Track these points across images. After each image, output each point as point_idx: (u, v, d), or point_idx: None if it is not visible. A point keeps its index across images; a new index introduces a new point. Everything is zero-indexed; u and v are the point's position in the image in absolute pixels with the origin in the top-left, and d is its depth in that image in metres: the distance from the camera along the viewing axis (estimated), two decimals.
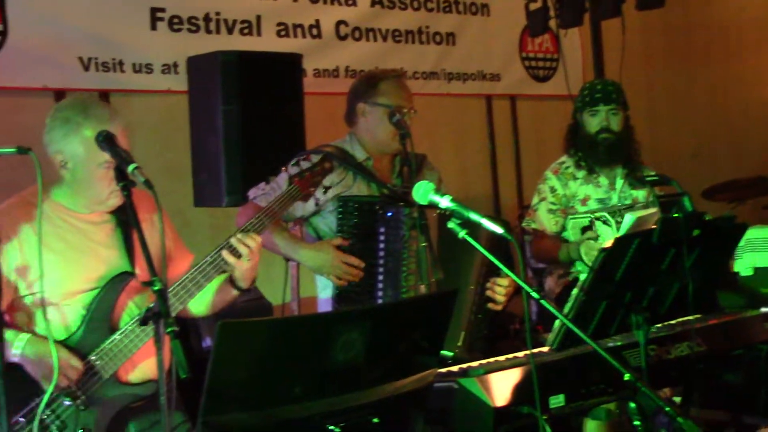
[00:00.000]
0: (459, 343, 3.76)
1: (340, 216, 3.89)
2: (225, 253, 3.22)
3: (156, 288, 2.67)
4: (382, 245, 3.85)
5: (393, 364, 2.68)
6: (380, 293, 3.85)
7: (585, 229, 4.63)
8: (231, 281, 3.36)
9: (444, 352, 3.59)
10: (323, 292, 4.10)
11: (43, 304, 2.94)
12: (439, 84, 7.32)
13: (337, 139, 4.22)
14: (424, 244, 3.59)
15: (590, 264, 4.29)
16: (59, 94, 5.41)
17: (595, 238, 4.48)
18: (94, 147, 3.08)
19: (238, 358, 2.40)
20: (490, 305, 3.88)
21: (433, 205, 2.92)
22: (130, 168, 2.83)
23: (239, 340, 2.40)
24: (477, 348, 3.80)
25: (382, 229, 3.84)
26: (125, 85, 5.77)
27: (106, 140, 3.01)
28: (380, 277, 3.86)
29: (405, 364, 2.71)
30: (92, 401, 3.13)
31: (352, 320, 2.60)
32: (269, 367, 2.46)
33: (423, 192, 2.87)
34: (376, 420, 2.58)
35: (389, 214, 3.82)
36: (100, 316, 3.19)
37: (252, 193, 4.09)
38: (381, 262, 3.85)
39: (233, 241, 3.22)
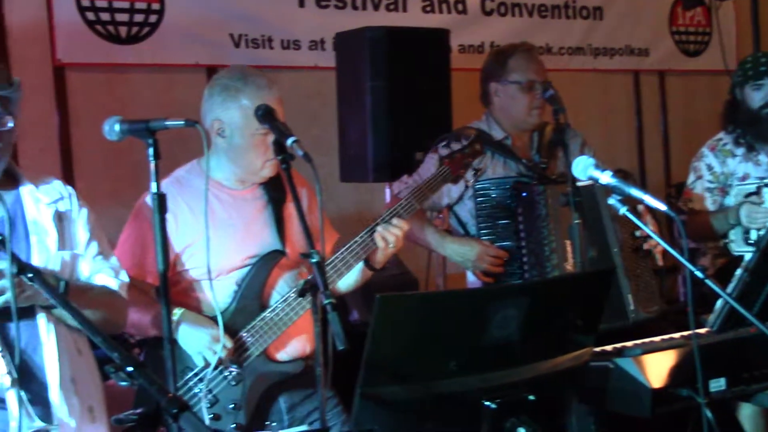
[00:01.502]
0: (631, 308, 3.70)
1: (478, 201, 3.87)
2: (377, 237, 3.23)
3: (314, 260, 2.70)
4: (521, 226, 3.81)
5: (549, 341, 2.64)
6: (526, 275, 3.81)
7: (749, 196, 4.44)
8: (366, 261, 3.36)
9: None
10: (472, 275, 4.07)
11: (210, 278, 3.00)
12: (585, 60, 7.18)
13: (474, 121, 4.18)
14: (577, 221, 3.53)
15: (750, 225, 4.15)
16: (210, 71, 5.54)
17: (759, 204, 4.29)
18: (251, 115, 3.12)
19: (396, 331, 2.41)
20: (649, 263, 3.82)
21: (590, 180, 2.85)
22: (290, 141, 2.85)
23: (397, 313, 2.41)
24: (655, 302, 3.75)
25: (519, 210, 3.80)
26: (274, 61, 5.86)
27: (266, 114, 3.05)
28: (524, 259, 3.81)
29: (561, 342, 2.67)
30: (243, 377, 3.18)
31: (510, 296, 2.57)
32: (425, 341, 2.45)
33: (583, 167, 2.81)
34: (531, 397, 2.55)
35: (525, 194, 3.78)
36: (251, 294, 3.23)
37: (396, 187, 4.08)
38: (523, 243, 3.81)
39: (381, 228, 3.23)
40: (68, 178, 5.23)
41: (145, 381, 1.75)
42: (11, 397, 2.52)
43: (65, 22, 5.24)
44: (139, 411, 1.72)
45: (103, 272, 2.87)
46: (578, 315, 2.68)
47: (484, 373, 2.52)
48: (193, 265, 3.21)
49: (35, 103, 5.12)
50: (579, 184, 3.52)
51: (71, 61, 5.31)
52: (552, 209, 3.75)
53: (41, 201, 2.80)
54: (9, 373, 2.50)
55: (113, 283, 2.88)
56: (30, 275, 2.14)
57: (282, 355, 3.27)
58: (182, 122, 2.65)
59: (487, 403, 2.49)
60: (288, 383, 3.27)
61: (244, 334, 3.18)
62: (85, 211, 2.89)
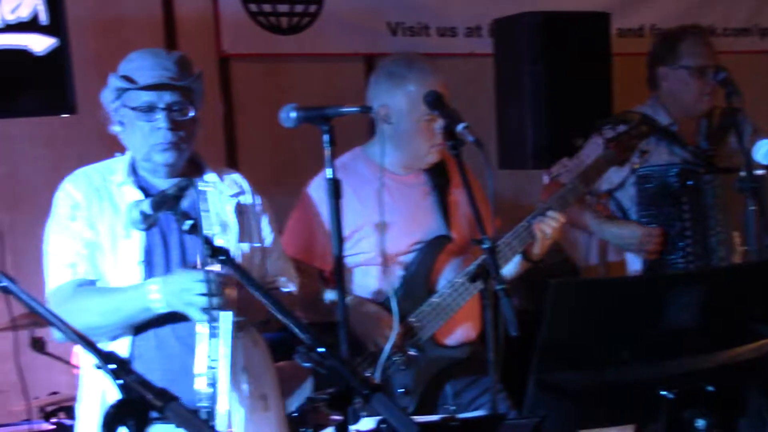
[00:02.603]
0: None
1: (641, 187, 3.78)
2: (534, 228, 3.20)
3: (486, 246, 2.70)
4: (686, 215, 3.71)
5: (728, 331, 2.56)
6: (690, 265, 3.71)
7: None
8: (522, 254, 3.32)
9: None
10: (633, 264, 4.00)
11: (382, 264, 3.05)
12: (752, 40, 6.90)
13: (637, 105, 4.09)
14: (752, 208, 3.42)
15: None
16: (368, 59, 5.61)
17: None
18: (417, 101, 3.14)
19: (570, 317, 2.39)
20: None
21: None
22: (460, 127, 2.85)
23: (573, 299, 2.38)
24: None
25: (684, 198, 3.70)
26: (430, 48, 5.86)
27: (435, 100, 3.06)
28: (688, 249, 3.72)
29: (740, 331, 2.59)
30: (411, 362, 3.21)
31: (688, 283, 2.52)
32: (600, 328, 2.42)
33: (765, 152, 2.72)
34: (710, 388, 2.48)
35: (691, 182, 3.67)
36: (419, 279, 3.26)
37: (555, 169, 4.03)
38: (688, 233, 3.71)
39: (538, 219, 3.20)
40: (232, 166, 5.37)
41: (337, 362, 1.78)
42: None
43: (230, 14, 5.39)
44: (330, 391, 1.75)
45: (285, 274, 2.95)
46: (758, 304, 2.60)
47: (660, 361, 2.47)
48: (358, 251, 3.26)
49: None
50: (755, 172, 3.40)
51: (235, 52, 5.46)
52: (719, 199, 3.64)
53: (224, 193, 2.88)
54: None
55: (292, 286, 2.96)
56: (222, 258, 2.21)
57: (449, 340, 3.29)
58: (357, 109, 2.70)
59: (664, 392, 2.44)
60: (454, 369, 3.29)
61: (412, 319, 3.21)
62: (266, 210, 2.97)
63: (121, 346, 2.67)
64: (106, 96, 2.78)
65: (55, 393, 4.17)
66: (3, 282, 1.93)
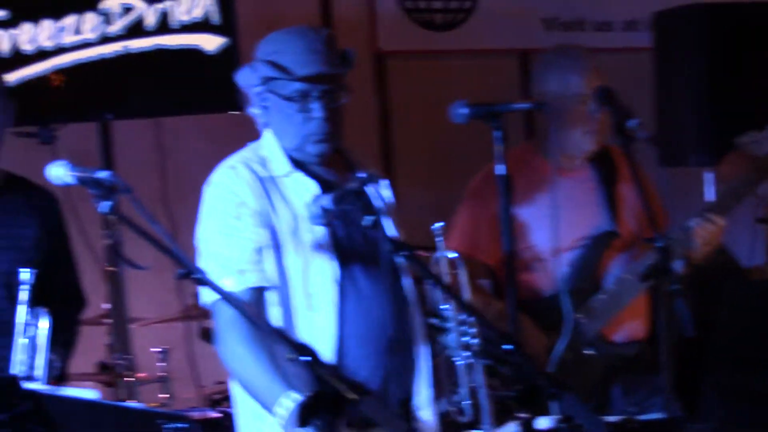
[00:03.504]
0: None
1: None
2: (697, 232, 3.11)
3: (660, 244, 2.65)
4: None
5: None
6: None
7: None
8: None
9: None
10: None
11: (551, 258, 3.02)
12: None
13: None
14: None
15: None
16: (523, 55, 5.57)
17: None
18: (576, 91, 3.13)
19: (744, 318, 2.34)
20: None
21: None
22: (632, 123, 2.81)
23: (743, 299, 2.33)
24: None
25: None
26: (586, 43, 5.75)
27: (605, 95, 3.02)
28: None
29: None
30: (579, 360, 3.17)
31: None
32: None
33: None
34: None
35: None
36: (585, 275, 3.21)
37: (746, 138, 3.84)
38: None
39: (697, 225, 3.11)
40: (387, 165, 5.44)
41: (524, 359, 1.78)
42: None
43: (385, 12, 5.44)
44: (519, 388, 1.74)
45: None
46: None
47: None
48: (525, 246, 3.24)
49: (357, 90, 5.35)
50: None
51: (391, 49, 5.51)
52: None
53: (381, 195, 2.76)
54: None
55: None
56: (405, 254, 2.23)
57: (617, 337, 3.25)
58: (529, 105, 2.68)
59: None
60: (621, 367, 3.24)
61: (579, 315, 3.18)
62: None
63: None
64: (248, 78, 2.59)
65: (221, 383, 4.30)
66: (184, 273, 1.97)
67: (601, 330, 3.20)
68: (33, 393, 1.75)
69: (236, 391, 2.59)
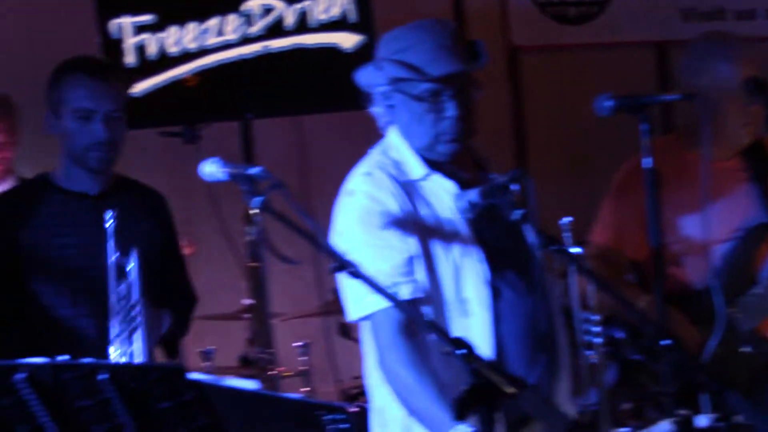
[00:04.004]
0: None
1: None
2: None
3: None
4: None
5: None
6: None
7: None
8: None
9: None
10: None
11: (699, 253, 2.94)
12: None
13: None
14: None
15: None
16: (660, 47, 5.47)
17: None
18: (730, 81, 3.02)
19: None
20: None
21: None
22: None
23: None
24: None
25: None
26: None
27: (757, 86, 2.93)
28: None
29: None
30: (732, 357, 3.08)
31: None
32: None
33: None
34: None
35: None
36: (739, 269, 3.12)
37: None
38: None
39: None
40: (520, 161, 5.41)
41: (684, 356, 1.74)
42: None
43: (518, 6, 5.42)
44: (676, 385, 1.70)
45: None
46: None
47: None
48: (673, 239, 3.17)
49: (490, 85, 5.33)
50: None
51: (524, 44, 5.47)
52: None
53: None
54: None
55: None
56: (557, 248, 2.20)
57: None
58: (678, 96, 2.62)
59: None
60: None
61: (733, 310, 3.09)
62: None
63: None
64: (372, 78, 2.49)
65: (358, 377, 4.35)
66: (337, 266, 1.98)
67: (758, 326, 3.10)
68: (196, 382, 1.79)
69: (375, 394, 2.55)
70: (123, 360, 2.74)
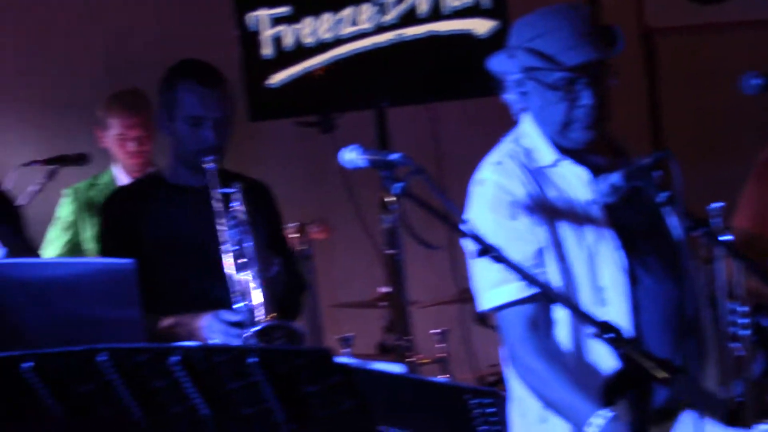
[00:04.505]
0: None
1: None
2: None
3: None
4: None
5: None
6: None
7: None
8: None
9: None
10: None
11: None
12: None
13: None
14: None
15: None
16: None
17: None
18: None
19: None
20: None
21: None
22: None
23: None
24: None
25: None
26: None
27: None
28: None
29: None
30: None
31: None
32: None
33: None
34: None
35: None
36: None
37: None
38: None
39: None
40: (656, 141, 5.29)
41: None
42: None
43: None
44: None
45: None
46: None
47: None
48: None
49: (624, 69, 5.23)
50: None
51: (660, 25, 5.34)
52: None
53: None
54: None
55: None
56: (705, 231, 2.14)
57: None
58: None
59: None
60: None
61: None
62: None
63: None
64: (505, 65, 2.46)
65: (494, 365, 4.33)
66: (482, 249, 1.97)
67: None
68: (343, 366, 1.82)
69: (514, 383, 2.51)
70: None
